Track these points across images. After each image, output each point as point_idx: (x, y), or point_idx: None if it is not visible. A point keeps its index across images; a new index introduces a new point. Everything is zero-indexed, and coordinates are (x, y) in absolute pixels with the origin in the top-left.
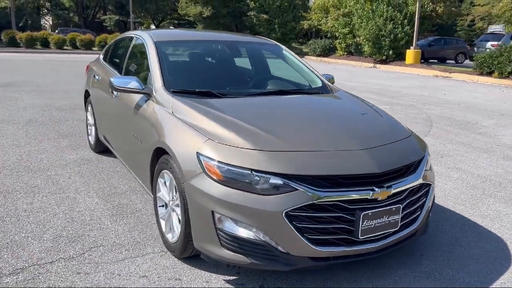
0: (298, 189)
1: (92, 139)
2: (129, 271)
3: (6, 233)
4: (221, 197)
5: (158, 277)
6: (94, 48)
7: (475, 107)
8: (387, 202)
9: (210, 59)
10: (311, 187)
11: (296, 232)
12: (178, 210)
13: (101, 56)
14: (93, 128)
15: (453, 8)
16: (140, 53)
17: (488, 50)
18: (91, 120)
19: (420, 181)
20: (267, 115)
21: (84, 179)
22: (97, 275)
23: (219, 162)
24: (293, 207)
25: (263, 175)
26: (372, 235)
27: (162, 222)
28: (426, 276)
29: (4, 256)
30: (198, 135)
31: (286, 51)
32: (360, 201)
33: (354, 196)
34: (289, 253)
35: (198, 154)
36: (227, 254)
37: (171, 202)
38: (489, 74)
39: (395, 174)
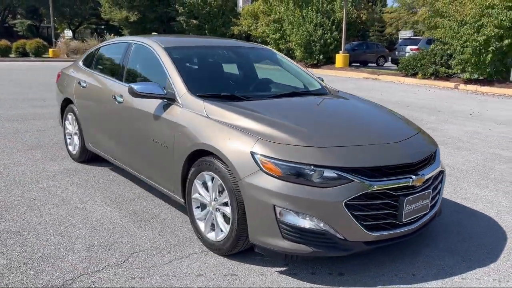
0: (354, 180)
1: (73, 148)
2: (182, 271)
3: (33, 247)
4: (282, 192)
5: (213, 274)
6: (11, 55)
7: (413, 106)
8: (422, 188)
9: (220, 63)
10: (364, 178)
11: (354, 220)
12: (226, 208)
13: (81, 63)
14: (75, 137)
15: (375, 15)
16: (145, 60)
17: (407, 53)
18: (71, 129)
19: (440, 168)
20: (301, 114)
21: (82, 189)
22: (153, 278)
23: (277, 159)
24: (351, 197)
25: (321, 169)
26: (411, 218)
27: (200, 223)
28: (448, 251)
29: (46, 269)
30: (246, 135)
31: (280, 56)
32: (402, 188)
33: (399, 183)
34: (347, 239)
35: (252, 153)
36: (288, 245)
37: (213, 203)
38: (414, 75)
39: (424, 163)
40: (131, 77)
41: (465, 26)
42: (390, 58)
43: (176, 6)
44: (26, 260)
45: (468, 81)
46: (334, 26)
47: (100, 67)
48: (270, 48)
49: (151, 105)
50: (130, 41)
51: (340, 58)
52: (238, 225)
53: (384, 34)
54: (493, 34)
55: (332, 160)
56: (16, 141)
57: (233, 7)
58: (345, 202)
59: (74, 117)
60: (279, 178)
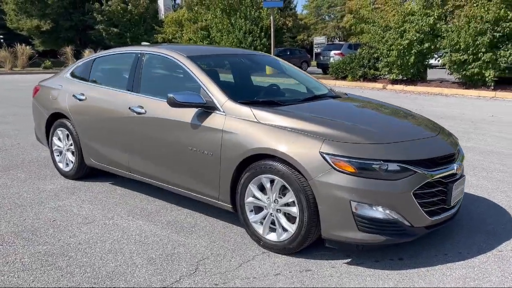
0: (417, 172)
1: (65, 165)
2: (259, 273)
3: (92, 266)
4: (357, 187)
5: (289, 272)
6: None
7: None
8: (460, 175)
9: (241, 71)
10: (424, 169)
11: (420, 207)
12: (291, 208)
13: (69, 76)
14: (68, 153)
15: (300, 22)
16: (165, 70)
17: (332, 58)
18: (62, 146)
19: (464, 158)
20: (345, 115)
21: (98, 205)
22: (235, 282)
23: (348, 157)
24: (417, 187)
25: (389, 163)
26: (455, 202)
27: (257, 226)
28: (474, 231)
29: (121, 285)
30: (310, 137)
31: (284, 63)
32: (449, 176)
33: (448, 172)
34: (413, 226)
35: (321, 153)
36: (364, 236)
37: (273, 204)
38: (344, 78)
39: (458, 153)
40: (151, 88)
41: (389, 31)
42: (317, 62)
43: (95, 14)
44: (94, 279)
45: (394, 82)
46: (262, 33)
47: (102, 79)
48: (271, 55)
49: (185, 114)
50: (140, 51)
51: None
52: (308, 222)
53: (296, 40)
54: (415, 38)
55: (396, 154)
56: None
57: (155, 14)
58: (413, 192)
59: (67, 133)
60: (353, 174)
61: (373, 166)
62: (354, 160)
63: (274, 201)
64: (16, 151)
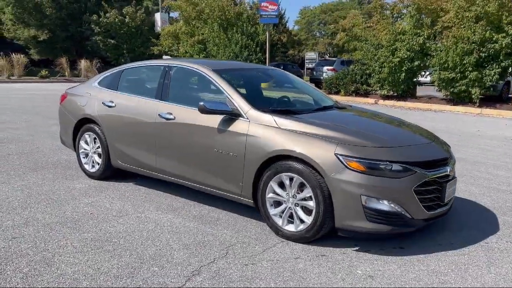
0: (417, 171)
1: (91, 166)
2: (281, 257)
3: (136, 250)
4: (367, 183)
5: (307, 256)
6: None
7: None
8: (453, 176)
9: (258, 83)
10: (423, 169)
11: (419, 202)
12: (308, 202)
13: (97, 84)
14: (94, 156)
15: (295, 38)
16: (192, 81)
17: (325, 73)
18: (89, 149)
19: (455, 162)
20: (354, 123)
21: (127, 202)
22: (262, 263)
23: (360, 158)
24: (417, 184)
25: (394, 164)
26: (447, 200)
27: (276, 219)
28: (462, 226)
29: (165, 265)
30: (326, 141)
31: (292, 76)
32: (443, 177)
33: (442, 173)
34: (413, 218)
35: (336, 155)
36: (372, 225)
37: (291, 199)
38: (337, 93)
39: (450, 157)
40: (179, 97)
41: (381, 49)
42: (309, 77)
43: (92, 26)
44: (140, 260)
45: (386, 97)
46: (258, 48)
47: (131, 88)
48: (280, 69)
49: (211, 120)
50: (168, 64)
51: None
52: (323, 214)
53: (287, 55)
54: (405, 56)
55: (399, 156)
56: (9, 164)
57: (151, 27)
58: (413, 189)
59: (94, 136)
60: (363, 172)
61: (380, 166)
62: (364, 160)
63: (293, 196)
64: (38, 154)
